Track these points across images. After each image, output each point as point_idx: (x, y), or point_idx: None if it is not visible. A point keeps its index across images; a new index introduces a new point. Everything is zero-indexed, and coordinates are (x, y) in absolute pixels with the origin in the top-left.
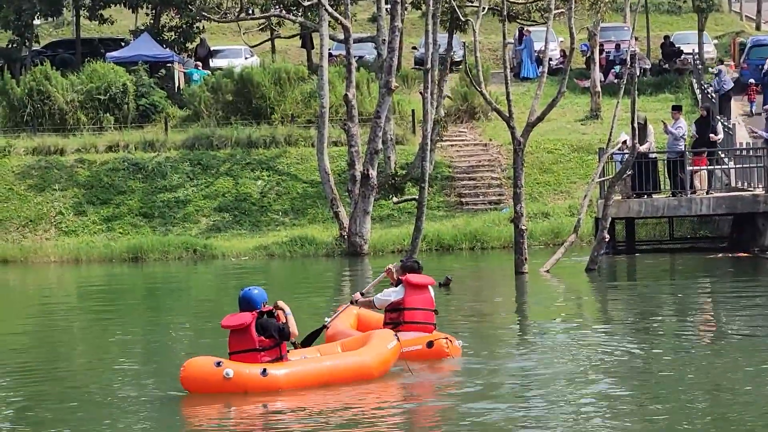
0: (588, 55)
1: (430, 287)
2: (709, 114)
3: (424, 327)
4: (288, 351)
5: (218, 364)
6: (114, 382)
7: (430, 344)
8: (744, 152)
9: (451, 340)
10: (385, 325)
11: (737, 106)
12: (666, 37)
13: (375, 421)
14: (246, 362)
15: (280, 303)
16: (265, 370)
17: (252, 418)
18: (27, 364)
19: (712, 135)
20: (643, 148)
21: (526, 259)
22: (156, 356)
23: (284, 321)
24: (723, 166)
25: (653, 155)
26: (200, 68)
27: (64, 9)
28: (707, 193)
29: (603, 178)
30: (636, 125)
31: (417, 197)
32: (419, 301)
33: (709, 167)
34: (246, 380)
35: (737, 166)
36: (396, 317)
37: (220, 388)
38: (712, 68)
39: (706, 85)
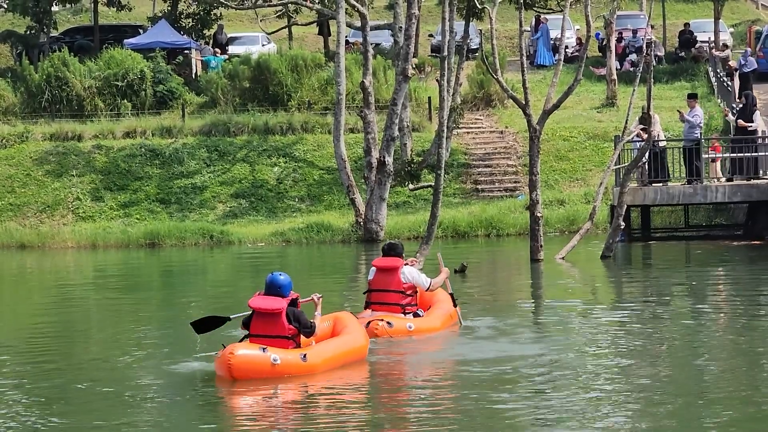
0: (604, 42)
1: (404, 270)
2: (748, 101)
3: (390, 307)
4: None
5: (263, 349)
6: (127, 364)
7: (367, 324)
8: (759, 140)
9: (389, 322)
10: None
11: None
12: (686, 25)
13: (379, 408)
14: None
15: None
16: (305, 355)
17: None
18: (43, 345)
19: (740, 121)
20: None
21: (541, 246)
22: (171, 338)
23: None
24: (739, 154)
25: (662, 143)
26: (218, 55)
27: None
28: (728, 180)
29: (619, 166)
30: (650, 113)
31: (433, 184)
32: (385, 282)
33: (720, 155)
34: (290, 365)
35: (752, 154)
36: (367, 297)
37: (267, 374)
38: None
39: (721, 74)
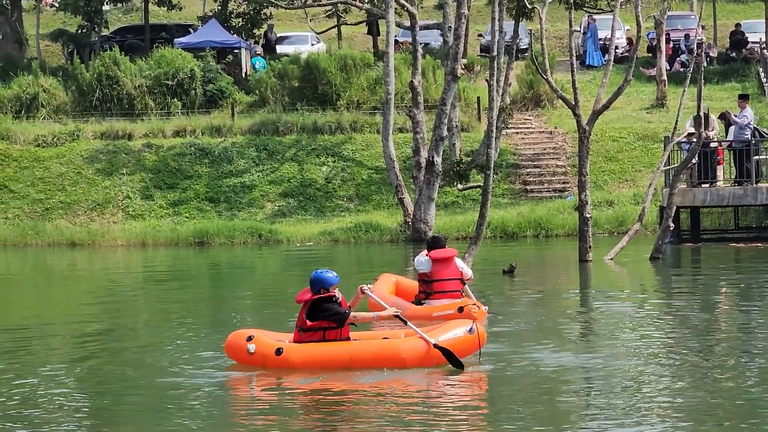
0: (654, 43)
1: (456, 258)
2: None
3: (452, 294)
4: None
5: (249, 338)
6: (172, 358)
7: (460, 309)
8: None
9: (478, 306)
10: (419, 294)
11: None
12: (737, 25)
13: (413, 414)
14: (297, 339)
15: (365, 288)
16: (279, 349)
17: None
18: (93, 343)
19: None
20: (711, 134)
21: (590, 247)
22: (213, 332)
23: (348, 306)
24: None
25: (713, 144)
26: (261, 56)
27: None
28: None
29: (668, 167)
30: (701, 114)
31: (482, 184)
32: (445, 272)
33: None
34: (264, 358)
35: None
36: (426, 288)
37: (245, 361)
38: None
39: None
